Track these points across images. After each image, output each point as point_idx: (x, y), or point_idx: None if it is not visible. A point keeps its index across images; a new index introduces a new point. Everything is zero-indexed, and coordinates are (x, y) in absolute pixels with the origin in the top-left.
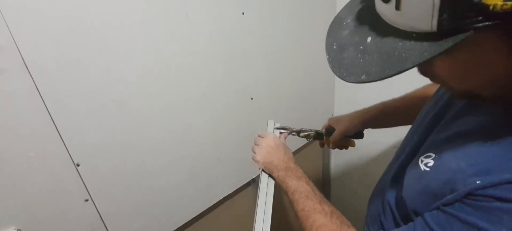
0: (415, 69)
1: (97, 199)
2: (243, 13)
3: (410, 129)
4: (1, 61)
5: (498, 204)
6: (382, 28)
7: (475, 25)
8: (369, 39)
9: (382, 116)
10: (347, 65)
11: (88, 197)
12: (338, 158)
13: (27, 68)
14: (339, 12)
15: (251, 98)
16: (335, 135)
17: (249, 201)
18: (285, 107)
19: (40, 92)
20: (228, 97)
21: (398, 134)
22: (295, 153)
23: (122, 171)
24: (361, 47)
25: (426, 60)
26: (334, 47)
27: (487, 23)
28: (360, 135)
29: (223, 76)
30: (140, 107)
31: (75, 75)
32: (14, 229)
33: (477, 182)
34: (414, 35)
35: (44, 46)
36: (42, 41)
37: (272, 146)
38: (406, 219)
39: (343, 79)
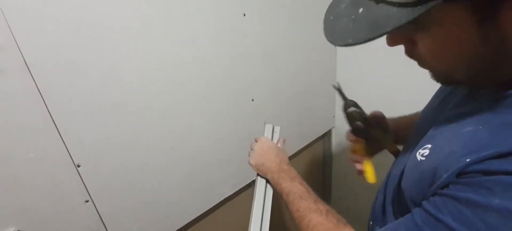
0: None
1: (97, 200)
2: (244, 15)
3: (414, 126)
4: (2, 61)
5: (487, 177)
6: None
7: None
8: (361, 9)
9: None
10: (338, 32)
11: (89, 198)
12: (339, 159)
13: (28, 68)
14: None
15: (252, 100)
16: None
17: (249, 203)
18: (286, 108)
19: (41, 93)
20: (228, 98)
21: None
22: (296, 154)
23: (122, 171)
24: (353, 16)
25: (402, 25)
26: (331, 18)
27: None
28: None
29: (223, 77)
30: (141, 108)
31: (76, 76)
32: (14, 230)
33: (467, 160)
34: (396, 4)
35: (46, 46)
36: (44, 41)
37: (263, 148)
38: (406, 211)
39: (333, 44)
